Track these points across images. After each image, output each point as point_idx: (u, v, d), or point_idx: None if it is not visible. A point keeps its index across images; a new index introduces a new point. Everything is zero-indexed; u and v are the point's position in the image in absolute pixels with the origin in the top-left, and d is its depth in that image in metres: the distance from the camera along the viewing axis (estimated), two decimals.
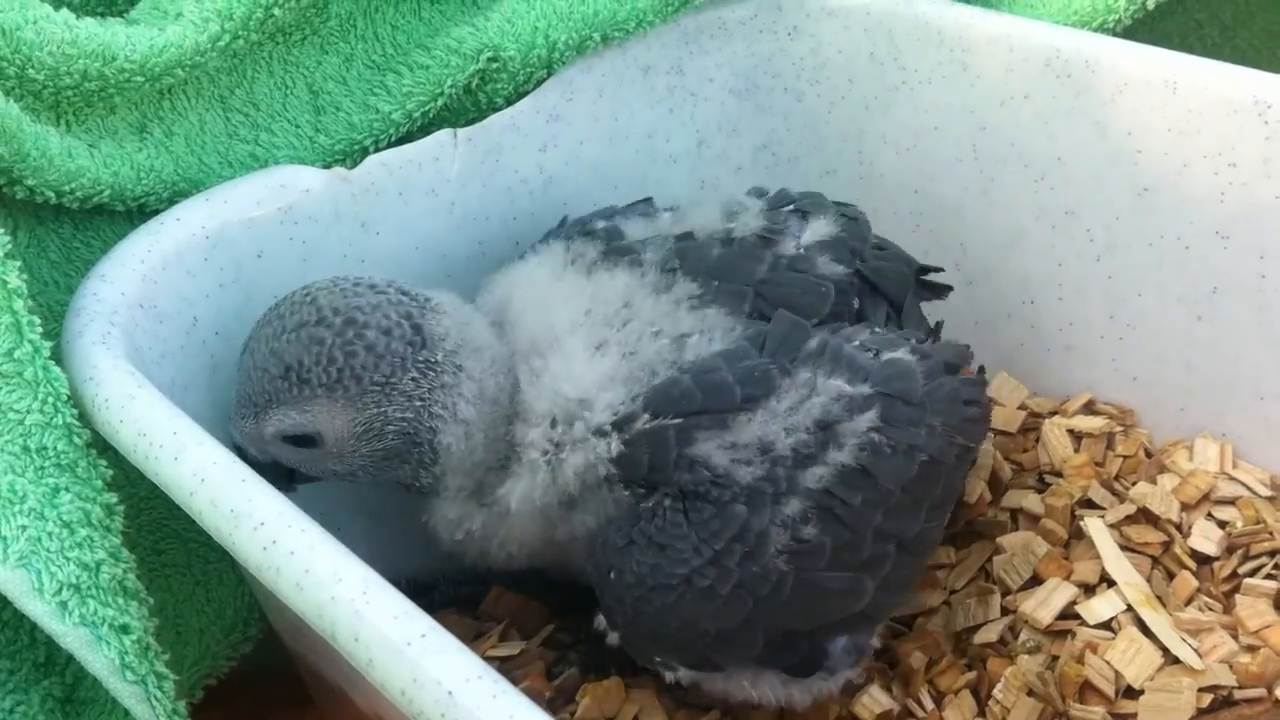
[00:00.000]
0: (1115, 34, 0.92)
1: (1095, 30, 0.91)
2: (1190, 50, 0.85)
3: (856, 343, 0.72)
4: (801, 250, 0.78)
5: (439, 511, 0.74)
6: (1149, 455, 0.87)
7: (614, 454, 0.69)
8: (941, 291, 0.85)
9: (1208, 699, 0.70)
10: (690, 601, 0.67)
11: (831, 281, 0.77)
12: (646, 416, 0.69)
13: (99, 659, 0.60)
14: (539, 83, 0.90)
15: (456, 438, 0.70)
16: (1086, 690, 0.72)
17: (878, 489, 0.69)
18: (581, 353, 0.72)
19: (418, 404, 0.69)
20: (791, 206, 0.82)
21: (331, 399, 0.68)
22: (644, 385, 0.70)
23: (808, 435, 0.68)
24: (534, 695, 0.76)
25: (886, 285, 0.80)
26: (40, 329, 0.66)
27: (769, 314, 0.74)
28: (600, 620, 0.71)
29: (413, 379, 0.69)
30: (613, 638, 0.71)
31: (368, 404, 0.69)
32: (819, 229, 0.80)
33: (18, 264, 0.66)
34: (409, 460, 0.71)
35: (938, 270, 0.86)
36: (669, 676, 0.71)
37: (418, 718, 0.49)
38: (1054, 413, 0.91)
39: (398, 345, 0.69)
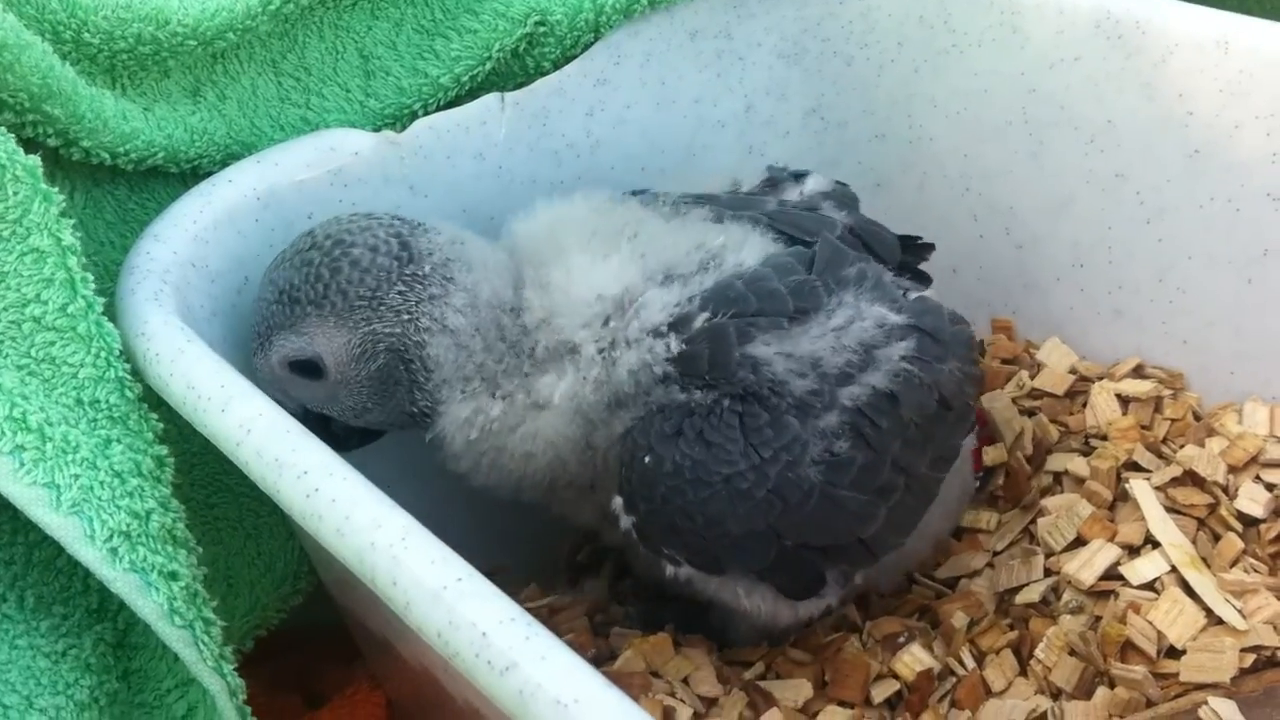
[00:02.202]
0: None
1: None
2: (1249, 14, 0.84)
3: (888, 277, 0.75)
4: (804, 197, 0.81)
5: (449, 416, 0.73)
6: (1198, 419, 0.86)
7: (674, 353, 0.70)
8: (925, 251, 0.85)
9: (1250, 659, 0.70)
10: (724, 501, 0.68)
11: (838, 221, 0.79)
12: (705, 315, 0.70)
13: (148, 604, 0.62)
14: (586, 47, 0.90)
15: (446, 348, 0.71)
16: (1128, 650, 0.72)
17: (900, 417, 0.71)
18: (584, 260, 0.73)
19: (405, 318, 0.70)
20: (786, 172, 0.85)
21: (322, 316, 0.70)
22: (672, 283, 0.72)
23: (853, 355, 0.70)
24: (576, 650, 0.77)
25: (877, 246, 0.80)
26: (94, 285, 0.67)
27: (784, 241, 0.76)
28: (617, 503, 0.71)
29: (399, 293, 0.70)
30: (626, 522, 0.71)
31: (358, 321, 0.70)
32: (817, 183, 0.83)
33: (72, 222, 0.67)
34: (402, 381, 0.72)
35: (918, 238, 0.85)
36: (669, 570, 0.73)
37: (453, 659, 0.50)
38: (1102, 377, 0.90)
39: (384, 260, 0.70)
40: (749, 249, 0.74)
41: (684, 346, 0.70)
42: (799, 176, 0.84)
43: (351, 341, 0.71)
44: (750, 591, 0.74)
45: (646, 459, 0.69)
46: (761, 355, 0.69)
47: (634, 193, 0.82)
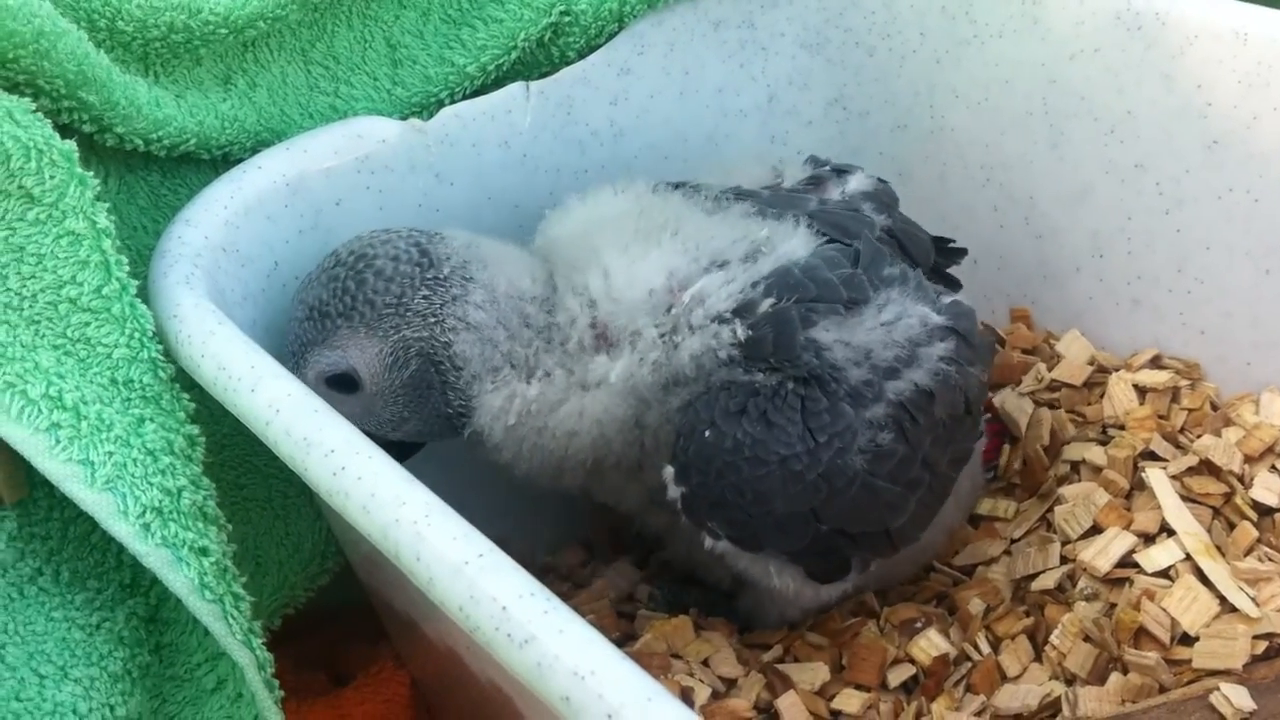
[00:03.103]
0: None
1: None
2: (1271, 5, 0.84)
3: (924, 280, 0.76)
4: (846, 197, 0.82)
5: (484, 408, 0.74)
6: (1215, 409, 0.87)
7: (740, 339, 0.71)
8: (958, 255, 0.87)
9: (1263, 646, 0.70)
10: (776, 481, 0.70)
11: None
12: (769, 301, 0.72)
13: (179, 579, 0.63)
14: (610, 36, 0.91)
15: (471, 343, 0.73)
16: (1142, 636, 0.73)
17: (933, 415, 0.73)
18: (624, 263, 0.74)
19: (431, 321, 0.72)
20: (829, 167, 0.85)
21: (352, 328, 0.72)
22: (724, 269, 0.73)
23: (900, 350, 0.72)
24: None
25: (913, 247, 0.81)
26: (127, 268, 0.69)
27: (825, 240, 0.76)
28: (668, 472, 0.72)
29: (424, 297, 0.72)
30: (674, 491, 0.72)
31: (388, 330, 0.72)
32: (859, 182, 0.83)
33: (106, 206, 0.69)
34: (435, 384, 0.74)
35: (951, 240, 0.86)
36: (708, 543, 0.74)
37: (474, 633, 0.51)
38: (1120, 368, 0.91)
39: (406, 268, 0.72)
40: (795, 241, 0.75)
41: (750, 332, 0.71)
42: (841, 173, 0.84)
43: (383, 350, 0.73)
44: (781, 571, 0.75)
45: (707, 433, 0.70)
46: (823, 340, 0.71)
47: (672, 185, 0.82)
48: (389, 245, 0.73)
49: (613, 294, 0.73)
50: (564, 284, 0.75)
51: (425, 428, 0.76)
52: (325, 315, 0.72)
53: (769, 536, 0.72)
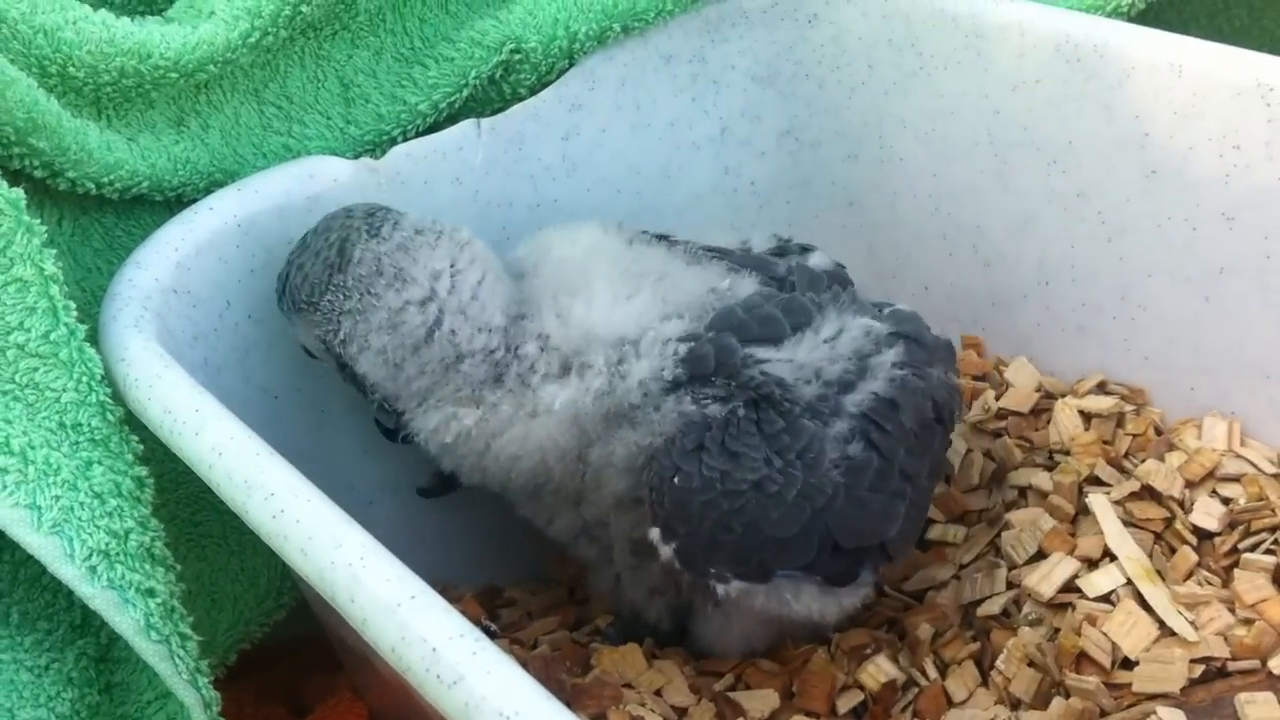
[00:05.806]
0: (1131, 18, 0.94)
1: (1109, 15, 0.92)
2: (1218, 31, 0.85)
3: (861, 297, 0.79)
4: (804, 265, 0.83)
5: (416, 424, 0.76)
6: (1159, 434, 0.88)
7: (682, 355, 0.72)
8: None
9: (1200, 670, 0.71)
10: (756, 506, 0.70)
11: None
12: (711, 334, 0.73)
13: (126, 620, 0.64)
14: (561, 73, 0.92)
15: (374, 365, 0.74)
16: (1083, 661, 0.74)
17: (902, 424, 0.73)
18: (608, 298, 0.75)
19: (330, 328, 0.74)
20: (794, 244, 0.86)
21: (288, 314, 0.76)
22: (691, 317, 0.74)
23: (849, 364, 0.73)
24: (551, 663, 0.79)
25: None
26: (75, 313, 0.70)
27: None
28: (654, 533, 0.72)
29: (329, 301, 0.74)
30: (666, 551, 0.72)
31: (310, 323, 0.75)
32: (819, 260, 0.85)
33: (54, 251, 0.70)
34: (352, 382, 0.77)
35: None
36: (720, 590, 0.73)
37: (406, 673, 0.52)
38: (1066, 394, 0.92)
39: (319, 268, 0.74)
40: (746, 284, 0.77)
41: (692, 348, 0.72)
42: (805, 250, 0.86)
43: (312, 337, 0.76)
44: (797, 593, 0.74)
45: (676, 479, 0.70)
46: (761, 354, 0.72)
47: (655, 236, 0.83)
48: (324, 236, 0.74)
49: (591, 329, 0.74)
50: (551, 307, 0.76)
51: (376, 412, 0.79)
52: (278, 291, 0.76)
53: (773, 557, 0.72)
